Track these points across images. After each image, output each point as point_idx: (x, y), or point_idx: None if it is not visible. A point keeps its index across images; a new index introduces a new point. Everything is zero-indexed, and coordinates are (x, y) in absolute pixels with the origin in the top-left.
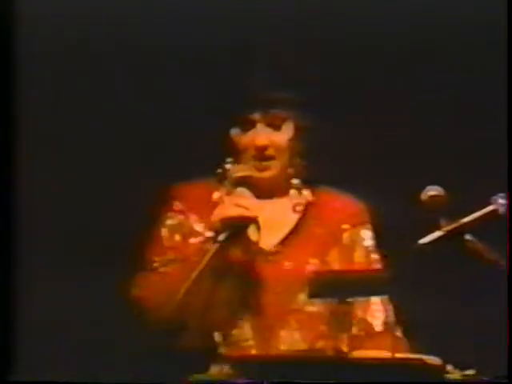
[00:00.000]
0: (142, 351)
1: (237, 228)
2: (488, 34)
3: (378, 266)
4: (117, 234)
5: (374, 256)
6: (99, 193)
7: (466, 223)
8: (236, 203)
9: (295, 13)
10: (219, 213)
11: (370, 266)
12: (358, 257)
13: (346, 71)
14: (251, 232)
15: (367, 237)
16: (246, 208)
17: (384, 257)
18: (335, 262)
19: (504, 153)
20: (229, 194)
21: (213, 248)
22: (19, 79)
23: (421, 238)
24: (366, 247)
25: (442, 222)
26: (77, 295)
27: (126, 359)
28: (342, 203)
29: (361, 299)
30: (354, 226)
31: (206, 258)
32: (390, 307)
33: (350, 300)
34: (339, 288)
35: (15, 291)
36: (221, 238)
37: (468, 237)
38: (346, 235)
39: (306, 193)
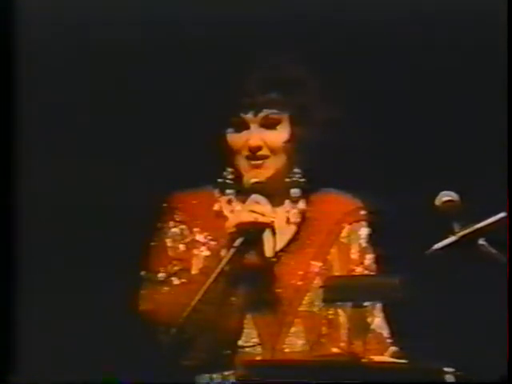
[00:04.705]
0: (142, 352)
1: (252, 234)
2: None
3: (372, 263)
4: (115, 240)
5: (369, 254)
6: (96, 200)
7: (479, 228)
8: (251, 209)
9: (293, 14)
10: (235, 219)
11: (364, 264)
12: (354, 253)
13: (345, 69)
14: (266, 238)
15: (363, 234)
16: (262, 214)
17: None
18: (335, 261)
19: None
20: (232, 201)
21: (228, 254)
22: (19, 79)
23: (435, 243)
24: (361, 244)
25: (456, 227)
26: (77, 296)
27: (127, 360)
28: (339, 202)
29: (372, 304)
30: (350, 223)
31: (222, 264)
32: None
33: (364, 304)
34: (352, 293)
35: (15, 291)
36: (236, 243)
37: (481, 242)
38: (343, 233)
39: (302, 204)
